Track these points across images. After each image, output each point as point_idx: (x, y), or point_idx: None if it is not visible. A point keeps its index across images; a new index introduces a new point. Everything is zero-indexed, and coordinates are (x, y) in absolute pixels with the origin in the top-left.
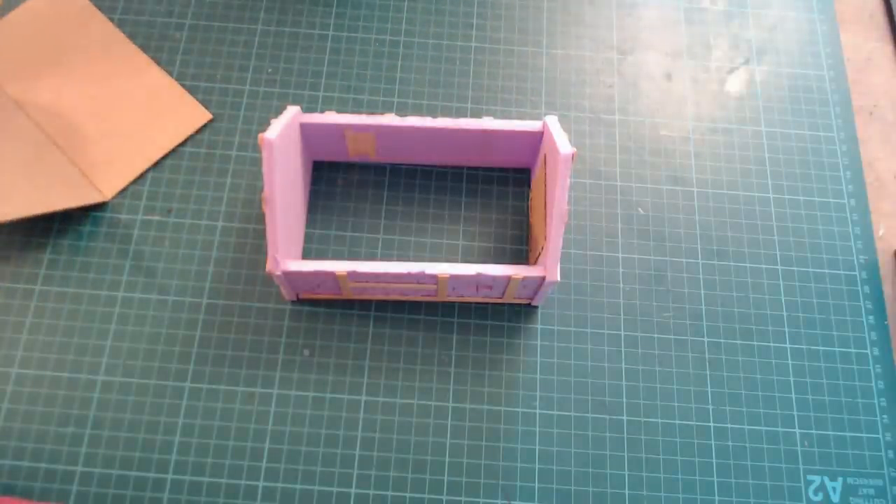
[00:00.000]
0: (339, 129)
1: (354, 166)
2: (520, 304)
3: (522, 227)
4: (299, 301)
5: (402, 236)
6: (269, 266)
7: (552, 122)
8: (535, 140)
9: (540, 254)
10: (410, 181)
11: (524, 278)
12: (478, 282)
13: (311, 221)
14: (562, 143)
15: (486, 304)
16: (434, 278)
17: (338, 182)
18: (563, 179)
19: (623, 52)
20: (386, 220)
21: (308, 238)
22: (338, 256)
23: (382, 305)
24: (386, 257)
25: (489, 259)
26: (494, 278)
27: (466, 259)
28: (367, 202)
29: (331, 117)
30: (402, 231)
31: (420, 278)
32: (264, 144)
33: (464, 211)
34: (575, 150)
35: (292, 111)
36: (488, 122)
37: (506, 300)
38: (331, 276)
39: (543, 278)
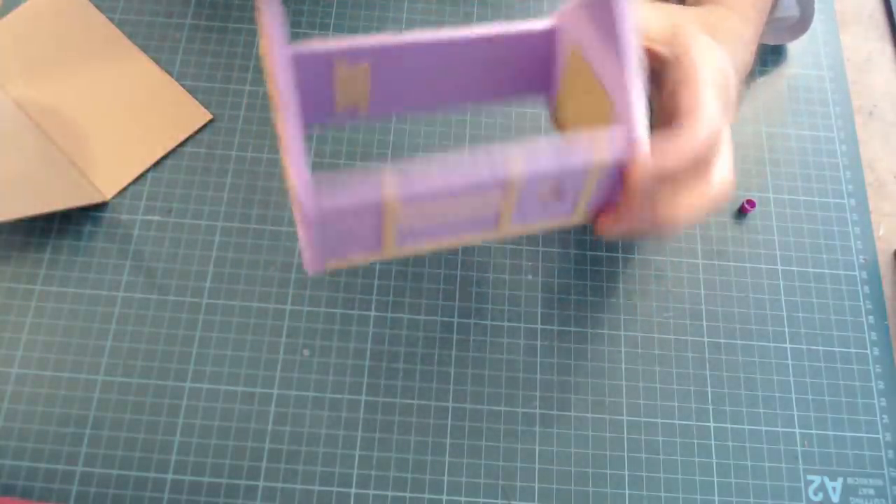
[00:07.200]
0: (328, 62)
1: (353, 165)
2: (526, 315)
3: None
4: (324, 275)
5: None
6: (303, 208)
7: None
8: (550, 45)
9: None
10: None
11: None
12: (557, 176)
13: None
14: None
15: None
16: (502, 183)
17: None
18: (622, 16)
19: None
20: None
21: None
22: None
23: (383, 306)
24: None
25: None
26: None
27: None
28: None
29: (317, 45)
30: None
31: (491, 183)
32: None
33: None
34: None
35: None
36: (495, 27)
37: (574, 220)
38: (375, 208)
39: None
